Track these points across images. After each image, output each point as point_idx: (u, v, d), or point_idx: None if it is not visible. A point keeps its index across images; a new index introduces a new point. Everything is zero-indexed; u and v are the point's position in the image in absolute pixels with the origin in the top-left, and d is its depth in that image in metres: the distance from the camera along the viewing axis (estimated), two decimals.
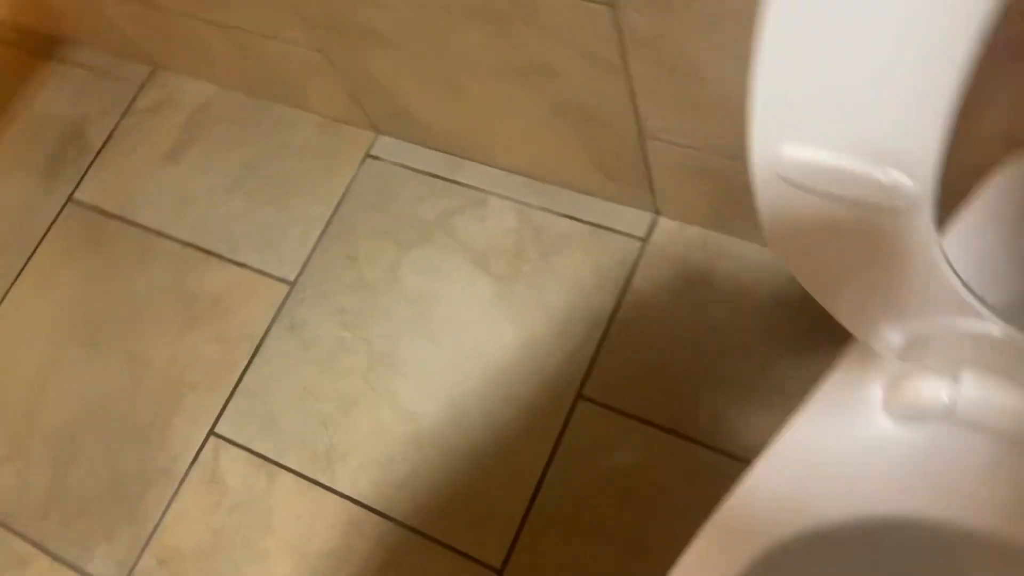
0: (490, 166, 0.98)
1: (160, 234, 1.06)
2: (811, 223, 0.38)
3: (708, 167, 0.78)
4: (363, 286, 0.97)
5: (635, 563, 0.78)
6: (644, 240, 0.90)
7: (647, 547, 0.79)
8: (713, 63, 0.63)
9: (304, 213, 1.02)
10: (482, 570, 0.81)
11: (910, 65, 0.29)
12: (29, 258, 1.09)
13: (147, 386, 0.97)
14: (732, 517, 0.45)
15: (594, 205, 0.93)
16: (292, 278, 0.99)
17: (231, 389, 0.95)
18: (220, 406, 0.94)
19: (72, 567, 0.90)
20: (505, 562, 0.81)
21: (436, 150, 1.00)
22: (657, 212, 0.91)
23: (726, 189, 0.80)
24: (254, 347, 0.96)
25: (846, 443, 0.46)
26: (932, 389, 0.43)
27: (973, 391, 0.43)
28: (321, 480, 0.88)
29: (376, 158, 1.03)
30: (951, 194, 0.43)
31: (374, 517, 0.85)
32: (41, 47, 1.24)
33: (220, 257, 1.03)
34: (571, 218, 0.94)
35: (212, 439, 0.93)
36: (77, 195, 1.12)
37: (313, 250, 1.00)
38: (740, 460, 0.80)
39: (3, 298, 1.07)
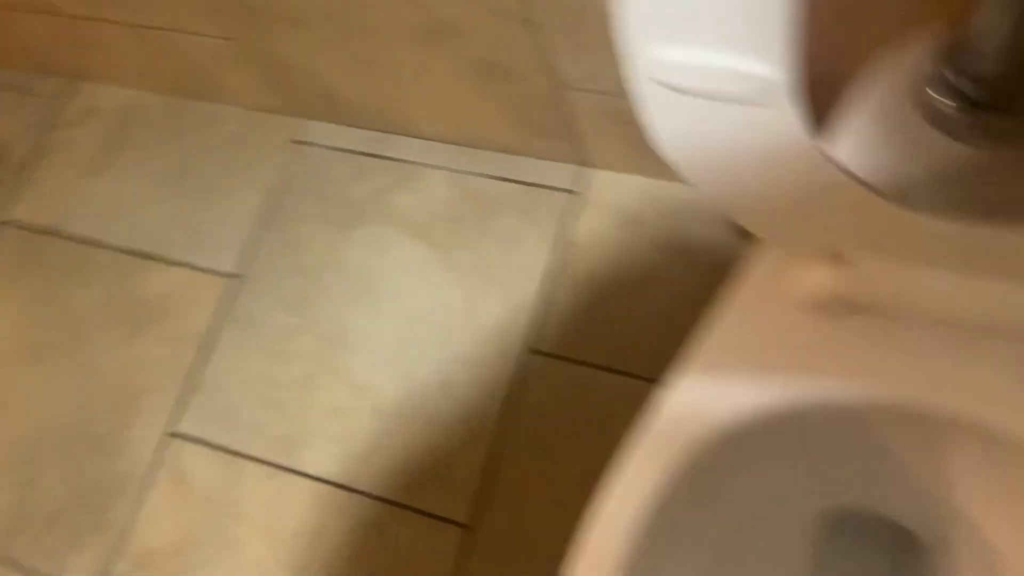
0: (417, 137, 0.99)
1: (97, 244, 1.05)
2: (694, 128, 0.39)
3: (626, 112, 0.79)
4: (305, 271, 0.97)
5: None
6: (577, 193, 0.92)
7: None
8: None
9: (238, 206, 1.02)
10: (452, 528, 0.83)
11: None
12: None
13: (100, 396, 0.97)
14: (658, 423, 0.47)
15: (524, 164, 0.95)
16: (234, 271, 0.99)
17: (185, 388, 0.95)
18: (176, 406, 0.94)
19: None
20: (473, 517, 0.83)
21: (362, 128, 1.01)
22: (586, 164, 0.92)
23: None
24: (204, 344, 0.97)
25: (761, 339, 0.48)
26: (832, 277, 0.45)
27: (872, 273, 0.45)
28: (286, 464, 0.89)
29: (303, 143, 1.03)
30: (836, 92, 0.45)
31: (342, 493, 0.87)
32: None
33: (159, 260, 1.02)
34: (503, 179, 0.95)
35: (172, 439, 0.93)
36: (7, 216, 1.10)
37: (252, 242, 1.00)
38: None
39: None
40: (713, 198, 0.45)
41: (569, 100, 0.80)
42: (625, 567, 0.45)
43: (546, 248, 0.91)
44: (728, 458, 0.49)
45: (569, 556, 0.47)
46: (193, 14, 0.86)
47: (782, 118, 0.36)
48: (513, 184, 0.95)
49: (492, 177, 0.95)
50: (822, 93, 0.41)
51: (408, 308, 0.93)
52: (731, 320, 0.48)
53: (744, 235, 0.49)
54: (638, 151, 0.87)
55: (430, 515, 0.84)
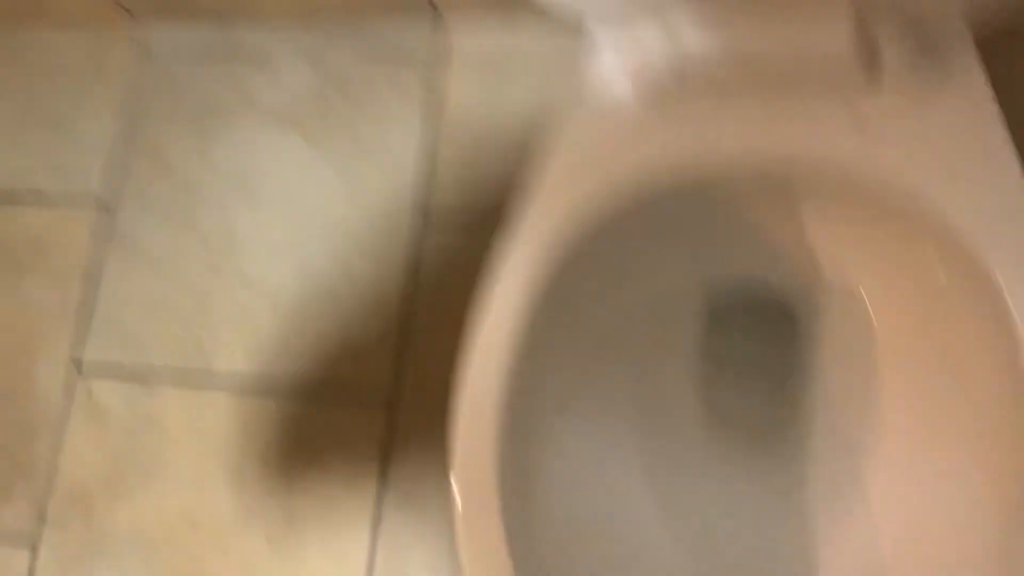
0: (264, 18, 0.94)
1: None
2: None
3: None
4: (181, 183, 0.94)
5: None
6: (437, 49, 0.90)
7: None
8: None
9: (94, 131, 0.97)
10: (373, 413, 0.84)
11: None
12: None
13: None
14: (527, 227, 0.48)
15: (378, 29, 0.91)
16: (104, 197, 0.95)
17: (80, 323, 0.92)
18: (75, 342, 0.92)
19: None
20: (393, 395, 0.84)
21: (205, 19, 0.96)
22: (438, 9, 0.89)
23: None
24: (89, 276, 0.93)
25: (609, 133, 0.48)
26: (654, 47, 0.45)
27: (694, 39, 0.45)
28: (199, 379, 0.88)
29: (147, 49, 0.98)
30: None
31: (260, 395, 0.86)
32: None
33: (23, 202, 0.98)
34: (361, 50, 0.92)
35: (79, 375, 0.91)
36: None
37: (117, 165, 0.96)
38: None
39: None
40: None
41: None
42: (510, 369, 0.47)
43: (418, 111, 0.89)
44: (600, 253, 0.50)
45: (458, 364, 0.48)
46: None
47: None
48: (372, 53, 0.92)
49: (350, 50, 0.92)
50: None
51: (291, 200, 0.91)
52: (578, 121, 0.49)
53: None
54: None
55: (351, 401, 0.85)
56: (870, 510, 0.51)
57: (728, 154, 0.45)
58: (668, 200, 0.49)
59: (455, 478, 0.46)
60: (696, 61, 0.45)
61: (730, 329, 0.60)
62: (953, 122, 0.46)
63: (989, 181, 0.45)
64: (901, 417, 0.51)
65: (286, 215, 0.91)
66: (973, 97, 0.46)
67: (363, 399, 0.84)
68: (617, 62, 0.47)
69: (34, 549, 0.87)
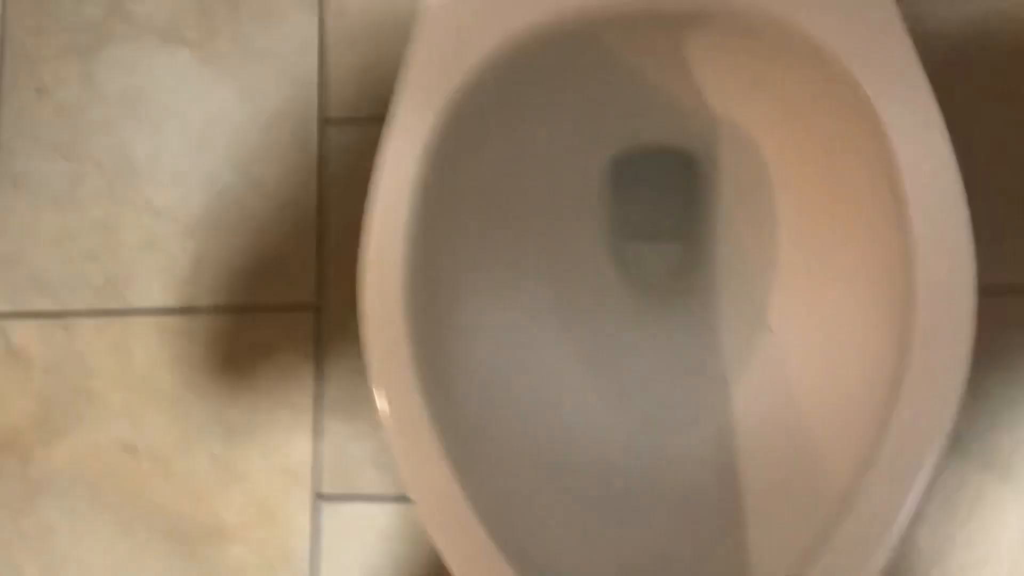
0: None
1: None
2: None
3: None
4: (66, 111, 0.90)
5: None
6: None
7: None
8: None
9: None
10: (301, 314, 0.83)
11: None
12: None
13: None
14: (411, 85, 0.47)
15: None
16: None
17: None
18: None
19: None
20: (320, 296, 0.83)
21: None
22: None
23: None
24: None
25: None
26: None
27: None
28: (116, 308, 0.86)
29: None
30: None
31: (183, 317, 0.85)
32: None
33: None
34: None
35: None
36: None
37: None
38: None
39: None
40: None
41: None
42: (410, 241, 0.47)
43: (307, 9, 0.86)
44: (489, 113, 0.50)
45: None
46: None
47: None
48: None
49: None
50: None
51: (188, 117, 0.88)
52: None
53: None
54: None
55: (278, 308, 0.84)
56: (775, 342, 0.53)
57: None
58: (554, 53, 0.48)
59: (369, 357, 0.46)
60: None
61: (635, 182, 0.61)
62: None
63: (863, 9, 0.45)
64: (797, 250, 0.53)
65: (185, 135, 0.88)
66: None
67: (289, 304, 0.83)
68: None
69: None
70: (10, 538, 0.85)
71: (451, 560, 0.42)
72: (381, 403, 0.45)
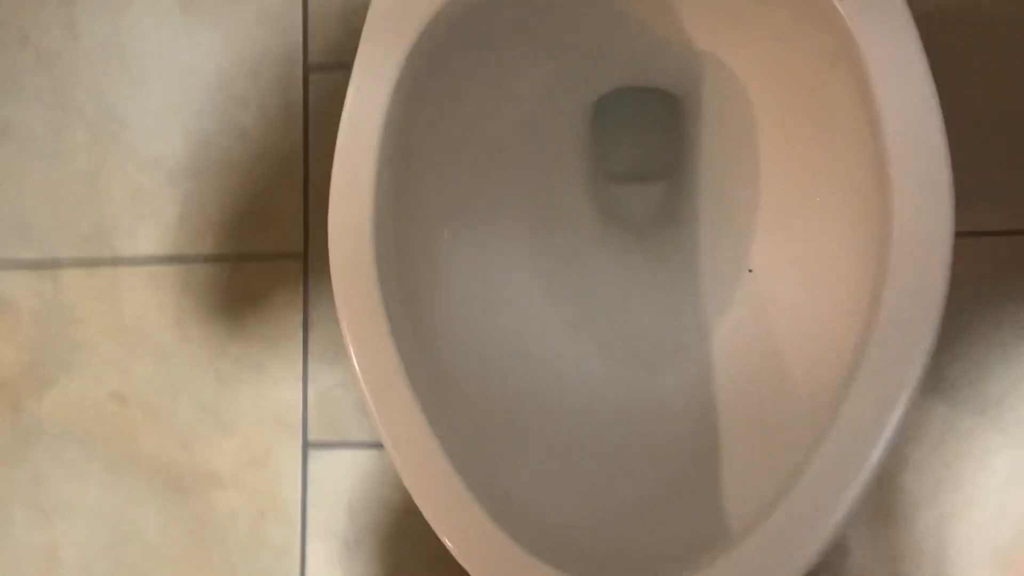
0: None
1: None
2: None
3: None
4: (48, 60, 0.88)
5: None
6: None
7: None
8: None
9: None
10: (288, 261, 0.83)
11: None
12: None
13: None
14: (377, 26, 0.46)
15: None
16: None
17: None
18: None
19: None
20: (307, 244, 0.83)
21: None
22: None
23: None
24: None
25: None
26: None
27: None
28: (103, 257, 0.86)
29: None
30: None
31: (171, 266, 0.85)
32: None
33: None
34: None
35: None
36: None
37: None
38: None
39: None
40: None
41: None
42: (380, 187, 0.46)
43: None
44: (462, 55, 0.49)
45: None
46: None
47: None
48: None
49: None
50: None
51: (171, 66, 0.86)
52: None
53: None
54: None
55: (266, 256, 0.84)
56: (755, 281, 0.52)
57: None
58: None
59: (338, 301, 0.46)
60: None
61: (618, 122, 0.60)
62: None
63: None
64: (778, 189, 0.52)
65: (169, 83, 0.86)
66: None
67: (277, 253, 0.83)
68: None
69: None
70: (1, 486, 0.85)
71: (425, 506, 0.42)
72: (351, 347, 0.44)
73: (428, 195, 0.52)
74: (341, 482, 0.79)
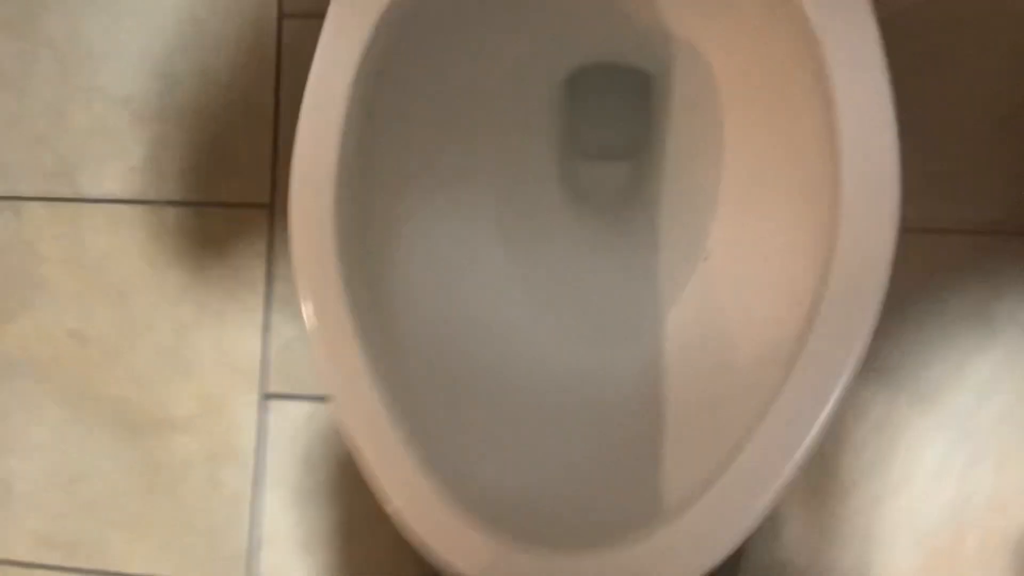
0: None
1: None
2: None
3: None
4: None
5: None
6: None
7: None
8: None
9: None
10: (254, 211, 0.83)
11: None
12: None
13: None
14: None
15: None
16: None
17: None
18: None
19: None
20: (274, 195, 0.83)
21: None
22: None
23: None
24: None
25: None
26: None
27: None
28: (66, 195, 0.85)
29: None
30: None
31: (135, 207, 0.84)
32: None
33: None
34: None
35: None
36: None
37: None
38: None
39: None
40: None
41: None
42: (345, 151, 0.46)
43: None
44: (434, 22, 0.49)
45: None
46: None
47: None
48: None
49: None
50: None
51: (145, 5, 0.85)
52: None
53: None
54: None
55: (232, 204, 0.83)
56: (710, 267, 0.53)
57: None
58: None
59: (295, 257, 0.46)
60: None
61: (588, 100, 0.60)
62: None
63: None
64: (737, 176, 0.53)
65: (140, 22, 0.85)
66: None
67: (243, 202, 0.83)
68: None
69: None
70: None
71: (363, 462, 0.43)
72: (303, 303, 0.45)
73: (394, 158, 0.52)
74: (298, 434, 0.80)
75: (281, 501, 0.81)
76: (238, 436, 0.82)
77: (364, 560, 0.79)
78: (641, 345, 0.55)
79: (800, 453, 0.43)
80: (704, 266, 0.54)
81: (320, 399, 0.80)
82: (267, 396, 0.81)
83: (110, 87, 0.85)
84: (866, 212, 0.42)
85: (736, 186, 0.54)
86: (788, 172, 0.49)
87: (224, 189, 0.83)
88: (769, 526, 0.72)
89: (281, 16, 0.83)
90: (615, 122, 0.62)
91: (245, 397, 0.82)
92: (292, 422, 0.81)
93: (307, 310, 0.45)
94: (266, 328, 0.82)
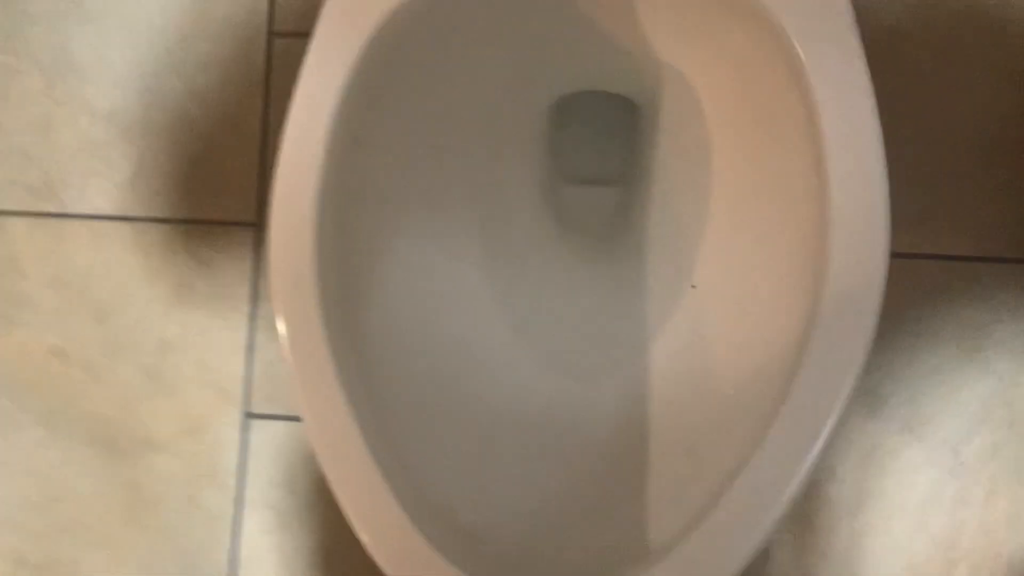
0: None
1: None
2: None
3: None
4: (4, 2, 0.86)
5: None
6: None
7: None
8: None
9: None
10: (242, 230, 0.82)
11: None
12: None
13: None
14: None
15: None
16: None
17: None
18: None
19: None
20: (261, 214, 0.82)
21: None
22: None
23: None
24: None
25: None
26: None
27: None
28: (50, 210, 0.84)
29: None
30: None
31: (120, 224, 0.83)
32: None
33: None
34: None
35: None
36: None
37: None
38: None
39: None
40: None
41: None
42: (327, 168, 0.45)
43: None
44: (420, 44, 0.48)
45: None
46: None
47: None
48: None
49: None
50: None
51: (133, 20, 0.84)
52: None
53: None
54: None
55: (218, 222, 0.82)
56: (697, 298, 0.53)
57: None
58: None
59: (273, 278, 0.45)
60: None
61: (575, 126, 0.60)
62: None
63: None
64: (725, 206, 0.52)
65: (129, 38, 0.84)
66: None
67: (229, 220, 0.82)
68: None
69: None
70: None
71: (339, 493, 0.42)
72: (279, 324, 0.44)
73: (378, 181, 0.51)
74: (281, 455, 0.79)
75: (261, 522, 0.79)
76: (220, 456, 0.80)
77: None
78: (625, 376, 0.54)
79: (791, 489, 0.42)
80: (691, 295, 0.53)
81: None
82: (249, 416, 0.80)
83: (96, 102, 0.84)
84: (856, 240, 0.41)
85: (723, 214, 0.53)
86: (776, 199, 0.49)
87: (210, 207, 0.82)
88: (758, 556, 0.71)
89: (271, 34, 0.82)
90: (601, 149, 0.62)
91: (227, 417, 0.80)
92: (274, 442, 0.80)
93: (283, 332, 0.45)
94: (250, 347, 0.81)
